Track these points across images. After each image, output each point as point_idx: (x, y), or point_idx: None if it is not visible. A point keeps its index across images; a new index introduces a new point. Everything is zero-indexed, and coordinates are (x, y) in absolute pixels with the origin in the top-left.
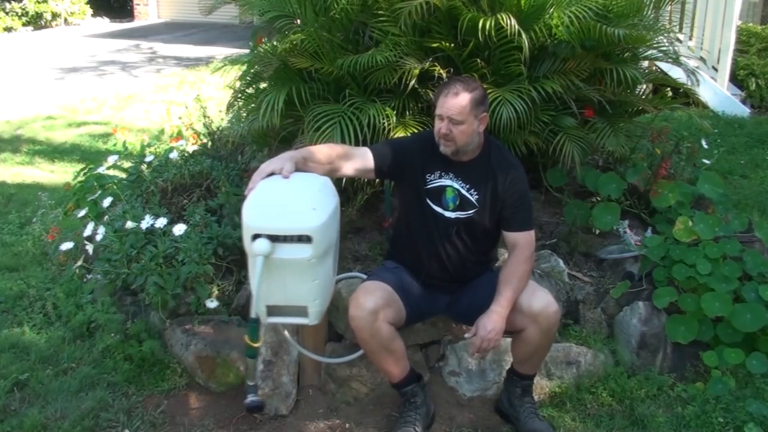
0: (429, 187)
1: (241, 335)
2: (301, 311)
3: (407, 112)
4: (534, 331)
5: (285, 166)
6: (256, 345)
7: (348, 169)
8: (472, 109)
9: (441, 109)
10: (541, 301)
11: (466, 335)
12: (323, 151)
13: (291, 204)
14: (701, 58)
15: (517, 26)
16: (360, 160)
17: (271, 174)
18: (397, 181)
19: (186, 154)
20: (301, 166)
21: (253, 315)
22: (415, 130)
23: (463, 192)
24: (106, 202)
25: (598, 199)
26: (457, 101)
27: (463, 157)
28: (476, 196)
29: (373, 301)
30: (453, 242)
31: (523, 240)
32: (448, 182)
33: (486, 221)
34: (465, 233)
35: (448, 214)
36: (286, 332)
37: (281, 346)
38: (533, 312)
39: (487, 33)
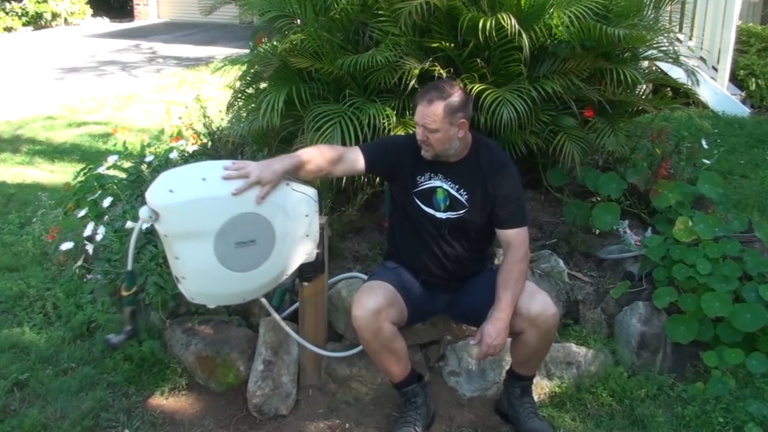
0: (419, 188)
1: (241, 335)
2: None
3: (407, 112)
4: (532, 334)
5: (266, 188)
6: (129, 293)
7: (339, 171)
8: (447, 116)
9: (417, 116)
10: (540, 304)
11: (471, 342)
12: (315, 161)
13: (163, 181)
14: (701, 58)
15: (517, 26)
16: (350, 162)
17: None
18: (388, 180)
19: (186, 154)
20: (292, 174)
21: (129, 268)
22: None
23: (453, 192)
24: (106, 202)
25: (598, 199)
26: (430, 110)
27: (450, 158)
28: (466, 196)
29: (376, 300)
30: (447, 242)
31: (516, 238)
32: (437, 183)
33: (478, 220)
34: (458, 233)
35: (439, 215)
36: (288, 329)
37: (281, 346)
38: (531, 315)
39: (487, 33)
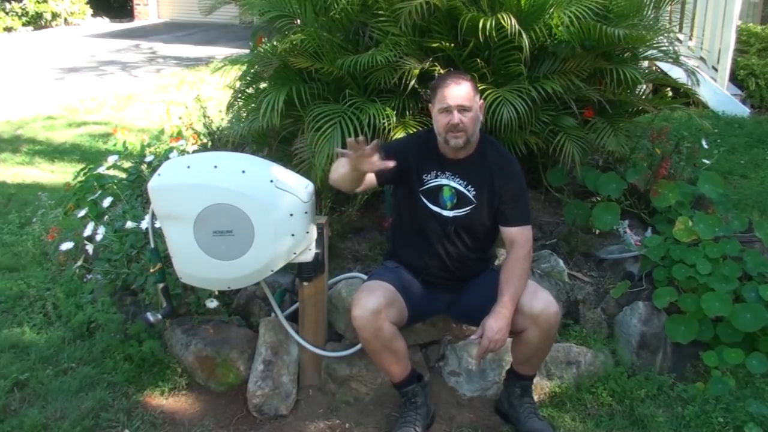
0: (426, 187)
1: (241, 335)
2: None
3: (407, 112)
4: (534, 332)
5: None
6: (155, 269)
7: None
8: (475, 93)
9: (447, 100)
10: (542, 302)
11: (472, 337)
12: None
13: (162, 166)
14: (701, 58)
15: (517, 26)
16: (365, 180)
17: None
18: (397, 184)
19: (186, 155)
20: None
21: (151, 245)
22: (415, 130)
23: (461, 189)
24: (106, 202)
25: (598, 199)
26: (462, 88)
27: (460, 154)
28: (474, 193)
29: (376, 300)
30: (452, 241)
31: (520, 236)
32: (444, 181)
33: (484, 218)
34: (463, 231)
35: (446, 213)
36: (288, 327)
37: (281, 346)
38: (534, 313)
39: (487, 33)
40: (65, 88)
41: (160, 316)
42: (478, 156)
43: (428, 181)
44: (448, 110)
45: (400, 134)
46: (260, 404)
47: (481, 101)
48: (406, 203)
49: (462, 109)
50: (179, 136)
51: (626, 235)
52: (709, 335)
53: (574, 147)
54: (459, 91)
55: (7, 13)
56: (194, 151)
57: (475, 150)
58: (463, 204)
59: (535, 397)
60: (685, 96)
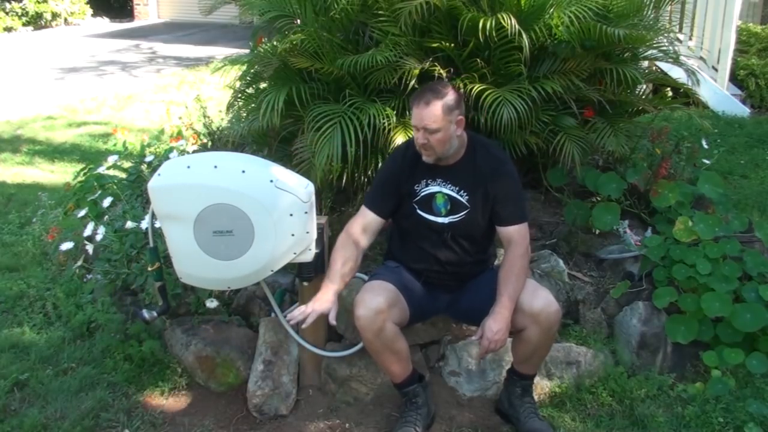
0: (419, 197)
1: (241, 335)
2: None
3: (407, 112)
4: (535, 331)
5: (332, 311)
6: (154, 268)
7: (369, 241)
8: (446, 115)
9: (415, 120)
10: (542, 300)
11: (473, 338)
12: (347, 257)
13: (162, 166)
14: (701, 58)
15: (517, 26)
16: (371, 228)
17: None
18: (400, 208)
19: (186, 155)
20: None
21: (151, 244)
22: None
23: (454, 195)
24: (106, 202)
25: (598, 199)
26: (429, 111)
27: (448, 161)
28: (466, 197)
29: (379, 301)
30: (449, 246)
31: (517, 234)
32: (436, 188)
33: (479, 220)
34: (460, 236)
35: (441, 220)
36: (288, 327)
37: (281, 346)
38: (534, 312)
39: (487, 33)
40: (65, 88)
41: (155, 314)
42: (467, 160)
43: (420, 191)
44: (416, 128)
45: (400, 134)
46: (260, 404)
47: (459, 117)
48: (402, 215)
49: (427, 131)
50: (179, 136)
51: (626, 235)
52: (709, 335)
53: (574, 147)
54: (426, 114)
55: (7, 13)
56: (194, 151)
57: (464, 155)
58: (457, 210)
59: (535, 397)
60: (685, 96)
